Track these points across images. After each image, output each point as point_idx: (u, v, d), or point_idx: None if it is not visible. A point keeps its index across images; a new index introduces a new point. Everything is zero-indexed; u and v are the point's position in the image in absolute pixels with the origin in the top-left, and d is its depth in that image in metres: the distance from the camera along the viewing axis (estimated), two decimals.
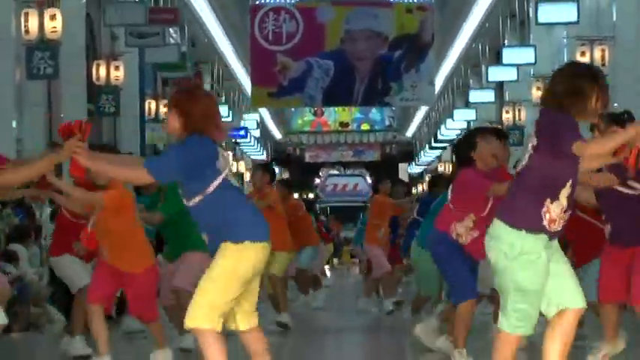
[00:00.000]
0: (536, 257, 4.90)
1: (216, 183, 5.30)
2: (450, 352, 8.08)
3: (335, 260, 32.96)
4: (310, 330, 13.35)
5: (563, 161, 4.80)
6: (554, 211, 4.86)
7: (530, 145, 4.91)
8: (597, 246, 7.58)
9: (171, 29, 27.46)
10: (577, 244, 8.04)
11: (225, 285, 5.27)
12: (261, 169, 12.26)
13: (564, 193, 4.86)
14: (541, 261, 4.90)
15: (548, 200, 4.82)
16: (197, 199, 5.33)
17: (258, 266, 5.38)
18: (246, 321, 5.42)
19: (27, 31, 17.46)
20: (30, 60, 17.76)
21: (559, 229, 4.93)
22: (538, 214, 4.84)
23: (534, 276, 4.92)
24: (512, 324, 4.98)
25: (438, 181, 12.67)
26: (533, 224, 4.85)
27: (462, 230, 7.70)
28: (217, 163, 5.35)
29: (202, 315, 5.24)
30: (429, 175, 37.39)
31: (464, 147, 8.01)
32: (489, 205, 7.55)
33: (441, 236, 7.82)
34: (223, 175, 5.33)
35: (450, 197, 7.85)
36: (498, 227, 4.95)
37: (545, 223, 4.86)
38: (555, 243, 5.03)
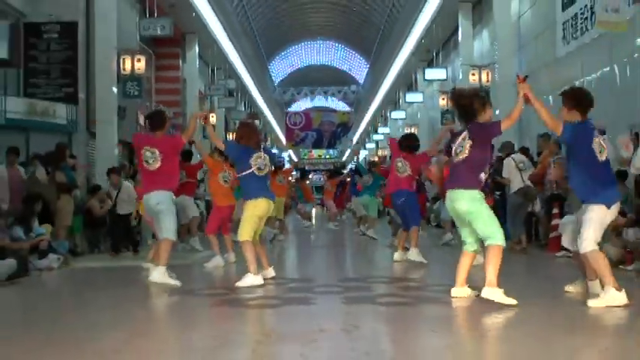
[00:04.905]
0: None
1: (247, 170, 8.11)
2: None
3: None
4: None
5: None
6: None
7: None
8: None
9: (257, 121, 34.97)
10: None
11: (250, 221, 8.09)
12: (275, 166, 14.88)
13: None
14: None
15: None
16: (243, 174, 7.98)
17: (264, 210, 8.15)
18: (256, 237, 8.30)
19: (124, 69, 18.72)
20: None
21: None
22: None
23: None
24: (499, 237, 6.54)
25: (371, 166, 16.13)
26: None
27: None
28: (250, 159, 8.02)
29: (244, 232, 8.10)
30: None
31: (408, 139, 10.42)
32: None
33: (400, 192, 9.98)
34: (253, 168, 8.00)
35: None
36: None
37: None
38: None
